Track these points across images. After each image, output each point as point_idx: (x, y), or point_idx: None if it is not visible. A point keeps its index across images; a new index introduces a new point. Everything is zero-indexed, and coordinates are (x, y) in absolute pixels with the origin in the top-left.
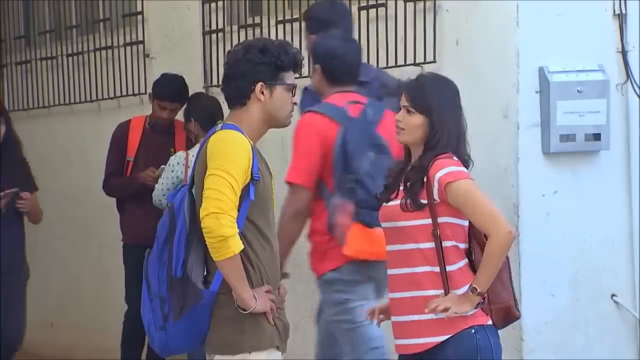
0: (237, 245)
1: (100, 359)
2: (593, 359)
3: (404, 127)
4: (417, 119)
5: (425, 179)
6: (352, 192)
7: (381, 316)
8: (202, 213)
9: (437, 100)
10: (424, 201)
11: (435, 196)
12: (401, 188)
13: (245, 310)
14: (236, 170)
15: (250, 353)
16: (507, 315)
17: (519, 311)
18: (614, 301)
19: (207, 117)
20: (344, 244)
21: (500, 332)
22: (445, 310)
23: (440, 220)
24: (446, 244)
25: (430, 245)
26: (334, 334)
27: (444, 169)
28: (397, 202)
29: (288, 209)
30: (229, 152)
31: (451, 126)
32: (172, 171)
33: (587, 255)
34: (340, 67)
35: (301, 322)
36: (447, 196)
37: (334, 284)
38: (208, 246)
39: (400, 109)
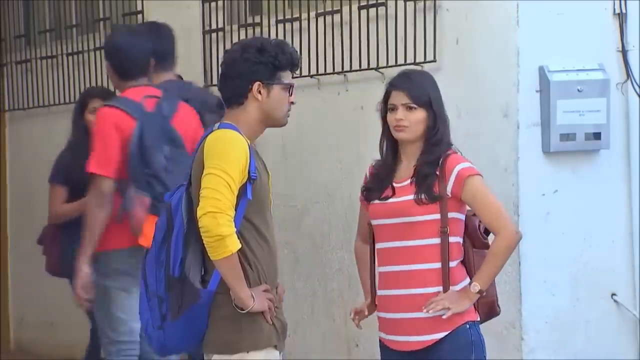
0: (235, 245)
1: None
2: (593, 358)
3: (407, 124)
4: (420, 115)
5: (437, 173)
6: (149, 186)
7: (357, 317)
8: (199, 212)
9: (434, 93)
10: (437, 194)
11: (448, 190)
12: (401, 184)
13: (243, 310)
14: (233, 170)
15: (248, 352)
16: (490, 310)
17: (499, 307)
18: (614, 300)
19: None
20: (140, 235)
21: (500, 331)
22: (445, 309)
23: (449, 215)
24: (452, 239)
25: (437, 241)
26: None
27: (463, 163)
28: (407, 197)
29: (92, 200)
30: (227, 152)
31: (446, 118)
32: None
33: (588, 255)
34: (127, 61)
35: (301, 321)
36: (463, 190)
37: (99, 265)
38: (205, 245)
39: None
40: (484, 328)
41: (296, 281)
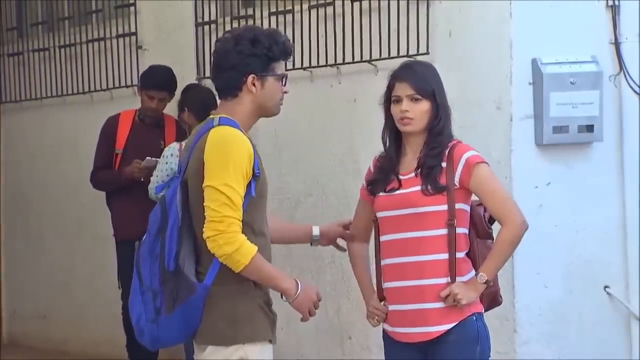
0: (246, 256)
1: (92, 351)
2: (586, 350)
3: (412, 116)
4: (425, 105)
5: (444, 164)
6: None
7: (376, 318)
8: (204, 235)
9: (437, 84)
10: (444, 184)
11: (456, 179)
12: (407, 176)
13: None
14: (237, 180)
15: (244, 344)
16: (493, 300)
17: (501, 297)
18: (607, 292)
19: (201, 108)
20: None
21: (493, 323)
22: (459, 301)
23: (456, 206)
24: (458, 230)
25: (444, 232)
26: None
27: (470, 151)
28: (414, 188)
29: None
30: (227, 161)
31: (448, 108)
32: (167, 163)
33: (580, 247)
34: None
35: (293, 314)
36: (472, 177)
37: None
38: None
39: None
40: None
41: (289, 274)
